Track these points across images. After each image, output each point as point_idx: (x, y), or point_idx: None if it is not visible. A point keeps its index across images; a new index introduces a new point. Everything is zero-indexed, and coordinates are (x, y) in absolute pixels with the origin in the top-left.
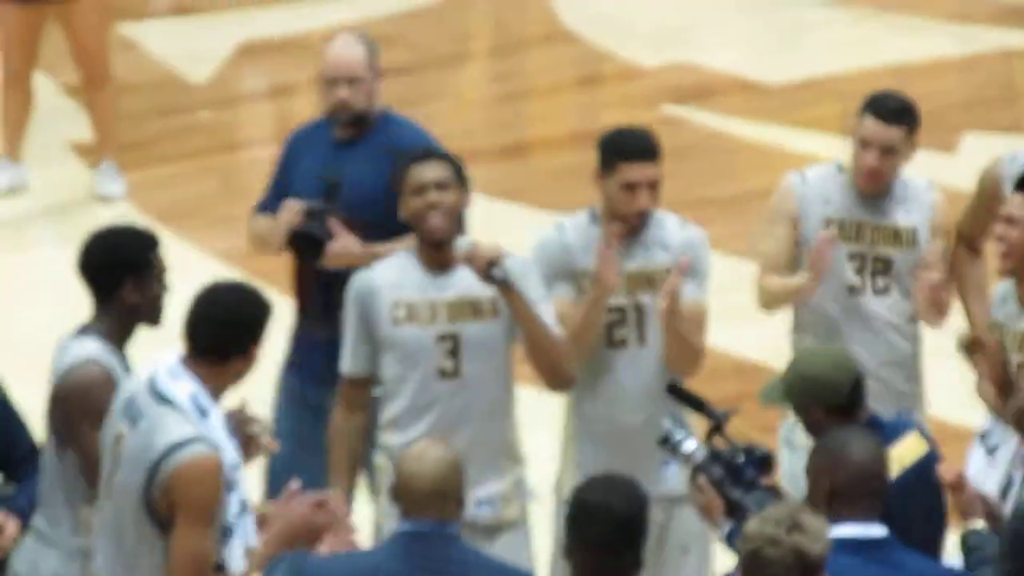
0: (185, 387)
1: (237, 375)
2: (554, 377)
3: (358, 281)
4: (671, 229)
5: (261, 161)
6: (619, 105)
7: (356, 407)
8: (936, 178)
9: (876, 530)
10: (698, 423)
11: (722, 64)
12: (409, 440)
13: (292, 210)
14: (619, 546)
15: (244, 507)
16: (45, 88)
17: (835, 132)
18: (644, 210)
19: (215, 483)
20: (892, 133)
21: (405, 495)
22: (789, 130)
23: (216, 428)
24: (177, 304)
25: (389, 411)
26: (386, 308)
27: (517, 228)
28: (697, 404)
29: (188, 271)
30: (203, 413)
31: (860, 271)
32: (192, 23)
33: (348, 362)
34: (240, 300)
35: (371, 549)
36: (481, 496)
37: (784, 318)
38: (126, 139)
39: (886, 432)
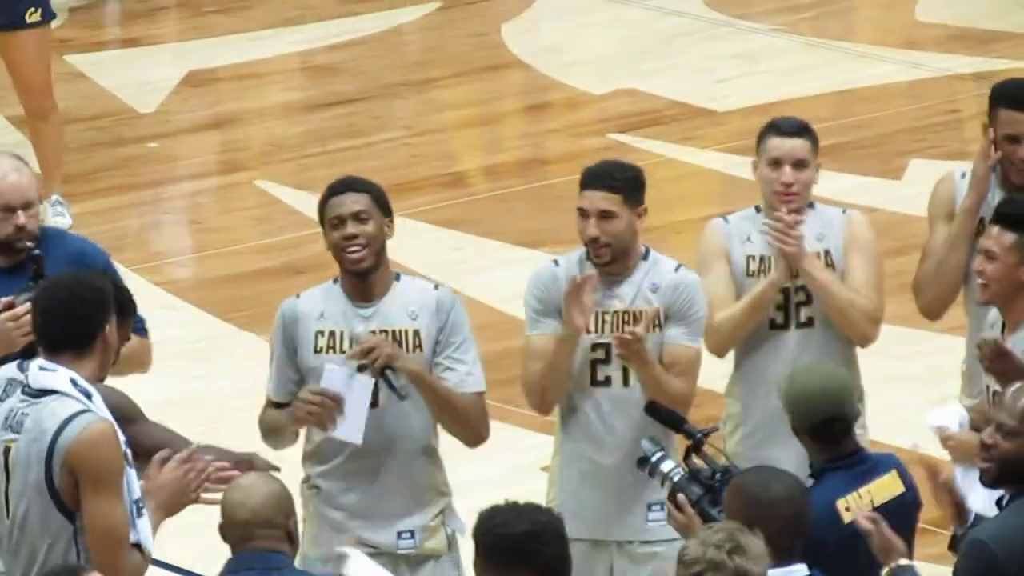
0: (63, 374)
1: (103, 362)
2: (466, 438)
3: (284, 309)
4: (664, 271)
5: (207, 191)
6: (566, 133)
7: None
8: (882, 203)
9: (801, 570)
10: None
11: (669, 91)
12: (327, 470)
13: None
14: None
15: (138, 505)
16: None
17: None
18: (594, 238)
19: (114, 447)
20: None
21: (230, 526)
22: (736, 157)
23: (103, 409)
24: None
25: (311, 440)
26: (309, 336)
27: (464, 257)
28: (675, 422)
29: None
30: (87, 395)
31: (784, 306)
32: (140, 54)
33: (272, 387)
34: (77, 289)
35: None
36: (402, 527)
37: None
38: (74, 170)
39: (870, 466)
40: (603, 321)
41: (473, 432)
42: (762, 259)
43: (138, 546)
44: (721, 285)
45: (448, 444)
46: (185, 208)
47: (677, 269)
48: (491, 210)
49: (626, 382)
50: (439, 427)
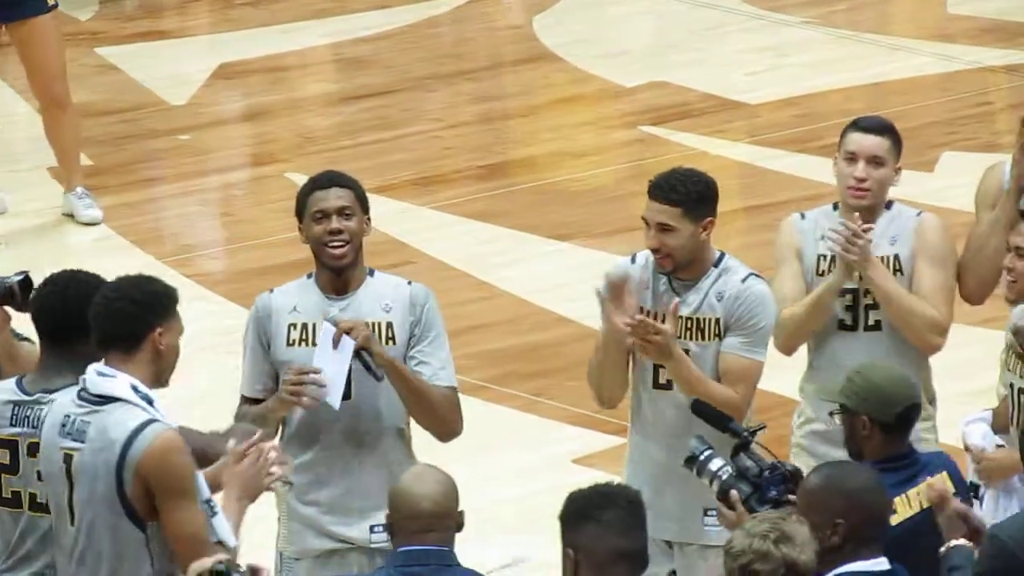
0: (123, 380)
1: (158, 369)
2: (436, 431)
3: (257, 303)
4: (732, 281)
5: (238, 184)
6: (597, 125)
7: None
8: (914, 196)
9: (883, 563)
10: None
11: (701, 84)
12: (300, 464)
13: None
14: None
15: (210, 505)
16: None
17: (814, 152)
18: (653, 249)
19: (185, 454)
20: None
21: (407, 519)
22: (769, 149)
23: (165, 414)
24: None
25: (285, 434)
26: (282, 329)
27: (496, 250)
28: (721, 421)
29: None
30: (149, 401)
31: (852, 308)
32: (171, 47)
33: (246, 383)
34: (126, 289)
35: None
36: (375, 521)
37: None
38: (106, 162)
39: (920, 467)
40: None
41: (445, 425)
42: (833, 259)
43: (220, 543)
44: (788, 283)
45: (476, 439)
46: (216, 200)
47: (745, 279)
48: (523, 203)
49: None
50: (411, 420)
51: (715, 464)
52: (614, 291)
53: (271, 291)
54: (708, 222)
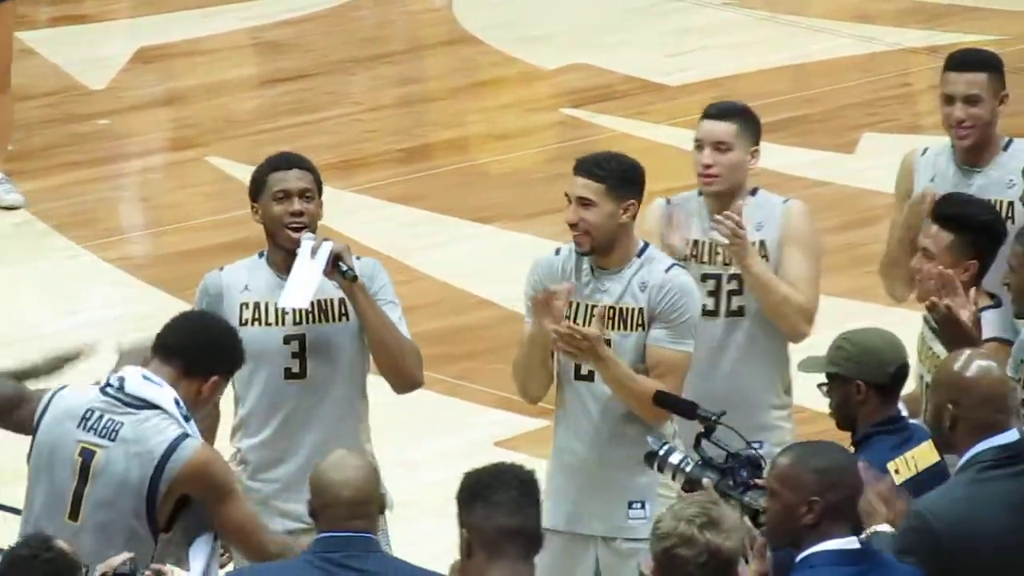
0: (168, 392)
1: (190, 401)
2: (398, 377)
3: (207, 280)
4: (655, 271)
5: (159, 168)
6: (519, 108)
7: None
8: (835, 177)
9: (854, 543)
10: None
11: (622, 66)
12: (256, 443)
13: None
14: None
15: None
16: None
17: None
18: (571, 224)
19: (222, 462)
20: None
21: (329, 506)
22: (690, 132)
23: (198, 433)
24: (75, 313)
25: (239, 414)
26: (234, 308)
27: (417, 233)
28: (687, 408)
29: (88, 279)
30: (187, 419)
31: (715, 293)
32: (91, 31)
33: None
34: (224, 327)
35: (290, 560)
36: None
37: None
38: (26, 147)
39: (911, 432)
40: (590, 315)
41: (406, 371)
42: (695, 243)
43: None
44: None
45: (399, 421)
46: (137, 185)
47: (669, 269)
48: (444, 186)
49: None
50: (366, 401)
51: (675, 457)
52: (547, 298)
53: (220, 269)
54: (630, 203)
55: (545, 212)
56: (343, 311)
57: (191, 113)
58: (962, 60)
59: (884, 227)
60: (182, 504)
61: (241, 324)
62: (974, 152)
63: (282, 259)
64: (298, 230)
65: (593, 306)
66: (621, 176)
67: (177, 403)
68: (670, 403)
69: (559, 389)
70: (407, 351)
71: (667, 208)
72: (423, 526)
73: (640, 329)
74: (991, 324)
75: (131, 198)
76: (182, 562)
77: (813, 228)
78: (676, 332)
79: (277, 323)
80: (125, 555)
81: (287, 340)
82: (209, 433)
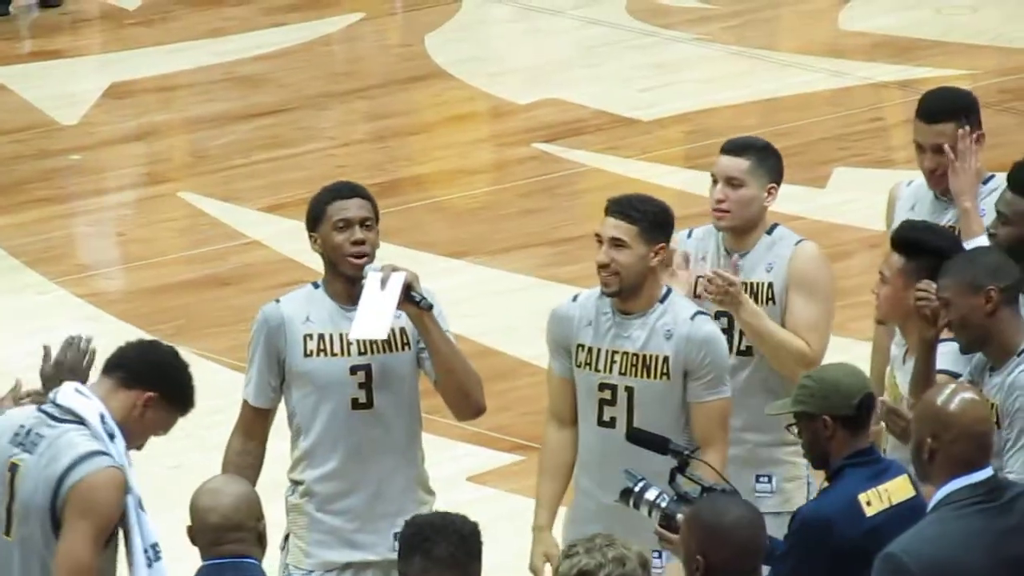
0: (95, 406)
1: (133, 421)
2: (464, 403)
3: (267, 312)
4: (680, 318)
5: (131, 203)
6: (491, 143)
7: (255, 436)
8: (806, 211)
9: None
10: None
11: (594, 100)
12: (323, 474)
13: None
14: (464, 560)
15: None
16: None
17: (707, 168)
18: (603, 264)
19: (116, 497)
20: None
21: (199, 531)
22: (662, 166)
23: (122, 453)
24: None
25: (301, 445)
26: (298, 340)
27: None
28: (661, 444)
29: (59, 314)
30: (111, 435)
31: (727, 330)
32: (62, 66)
33: (252, 391)
34: (171, 351)
35: None
36: (398, 530)
37: None
38: None
39: (885, 466)
40: (612, 361)
41: (475, 395)
42: (711, 280)
43: None
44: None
45: None
46: (109, 220)
47: (694, 317)
48: (416, 221)
49: (629, 427)
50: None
51: (651, 493)
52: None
53: (277, 301)
54: (660, 247)
55: (518, 247)
56: (405, 340)
57: (163, 148)
58: (929, 110)
59: (856, 261)
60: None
61: (306, 355)
62: (949, 190)
63: (343, 288)
64: (360, 258)
65: (614, 352)
66: (654, 219)
67: (103, 418)
68: (642, 439)
69: (581, 435)
70: (473, 377)
71: (687, 242)
72: None
73: (665, 378)
74: (944, 357)
75: (103, 233)
76: None
77: (823, 271)
78: (711, 384)
79: (343, 354)
80: None
81: (353, 371)
82: (251, 472)
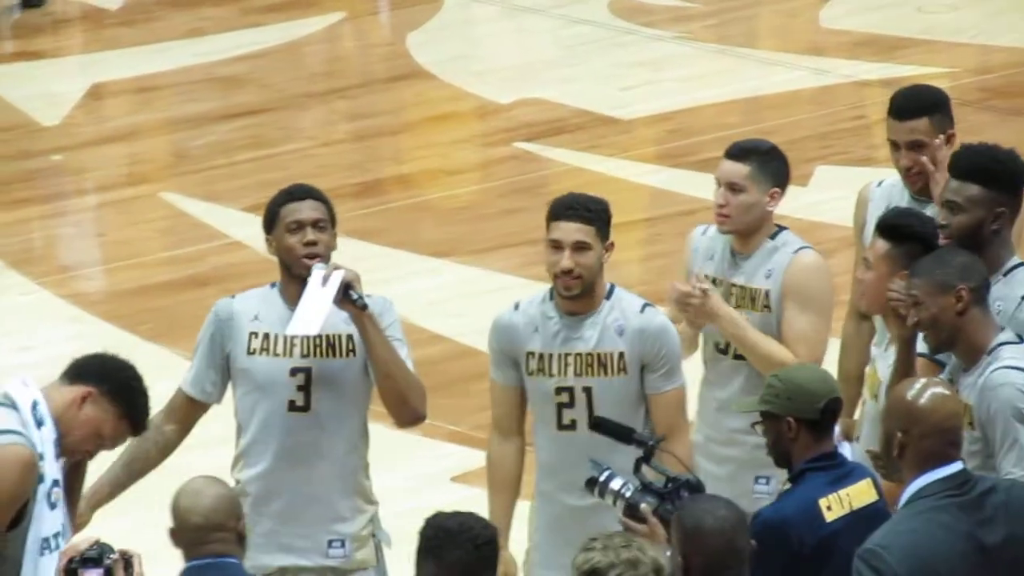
0: (30, 393)
1: (70, 420)
2: (402, 409)
3: (218, 306)
4: (629, 312)
5: (112, 204)
6: (473, 142)
7: (175, 420)
8: (789, 210)
9: None
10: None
11: (575, 99)
12: (256, 473)
13: None
14: (476, 568)
15: (64, 530)
16: None
17: (689, 167)
18: (568, 270)
19: (17, 474)
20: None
21: (179, 531)
22: (643, 165)
23: (47, 442)
24: (29, 349)
25: (240, 444)
26: (243, 336)
27: (372, 268)
28: (625, 434)
29: (42, 315)
30: (39, 423)
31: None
32: (44, 67)
33: (189, 378)
34: (123, 360)
35: None
36: (333, 535)
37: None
38: None
39: (848, 470)
40: (566, 363)
41: (413, 402)
42: (713, 281)
43: None
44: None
45: None
46: (91, 221)
47: (643, 310)
48: (398, 220)
49: (591, 417)
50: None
51: (616, 483)
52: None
53: (232, 296)
54: (610, 244)
55: (499, 247)
56: (351, 347)
57: (144, 149)
58: (901, 107)
59: (839, 260)
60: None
61: (249, 353)
62: (926, 189)
63: (296, 290)
64: (311, 259)
65: (567, 355)
66: (604, 216)
67: (35, 405)
68: (606, 428)
69: (537, 440)
70: (413, 384)
71: (699, 239)
72: None
73: (622, 374)
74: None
75: (85, 234)
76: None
77: (820, 280)
78: (668, 374)
79: (285, 354)
80: (92, 538)
81: (293, 372)
82: (153, 449)
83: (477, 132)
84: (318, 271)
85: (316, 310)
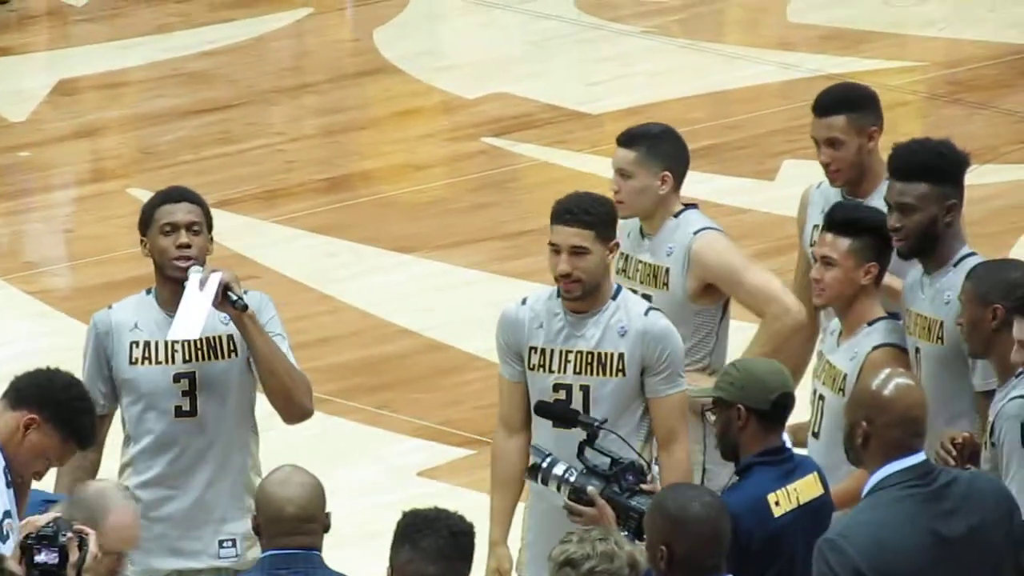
0: None
1: (15, 444)
2: (288, 406)
3: (96, 319)
4: (633, 314)
5: (80, 200)
6: (440, 137)
7: None
8: (756, 204)
9: None
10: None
11: (542, 94)
12: (146, 480)
13: None
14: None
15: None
16: None
17: None
18: (565, 274)
19: None
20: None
21: (272, 522)
22: (611, 159)
23: None
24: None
25: (128, 452)
26: (124, 347)
27: (339, 263)
28: (569, 417)
29: (9, 312)
30: None
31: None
32: (10, 63)
33: None
34: (66, 378)
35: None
36: (224, 535)
37: None
38: None
39: (795, 464)
40: (566, 361)
41: (298, 398)
42: (626, 259)
43: None
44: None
45: (320, 451)
46: (58, 217)
47: (647, 313)
48: (365, 216)
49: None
50: (257, 433)
51: (559, 468)
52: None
53: (109, 307)
54: (614, 244)
55: (466, 242)
56: (232, 347)
57: (112, 145)
58: (820, 103)
59: None
60: None
61: (131, 363)
62: (852, 187)
63: (171, 294)
64: (184, 261)
65: (568, 352)
66: (606, 218)
67: None
68: (548, 411)
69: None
70: (297, 380)
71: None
72: (347, 554)
73: (620, 375)
74: (892, 333)
75: (52, 230)
76: None
77: (729, 251)
78: (670, 378)
79: (167, 361)
80: (51, 515)
81: (177, 378)
82: (83, 474)
83: (444, 127)
84: (195, 275)
85: (196, 314)
